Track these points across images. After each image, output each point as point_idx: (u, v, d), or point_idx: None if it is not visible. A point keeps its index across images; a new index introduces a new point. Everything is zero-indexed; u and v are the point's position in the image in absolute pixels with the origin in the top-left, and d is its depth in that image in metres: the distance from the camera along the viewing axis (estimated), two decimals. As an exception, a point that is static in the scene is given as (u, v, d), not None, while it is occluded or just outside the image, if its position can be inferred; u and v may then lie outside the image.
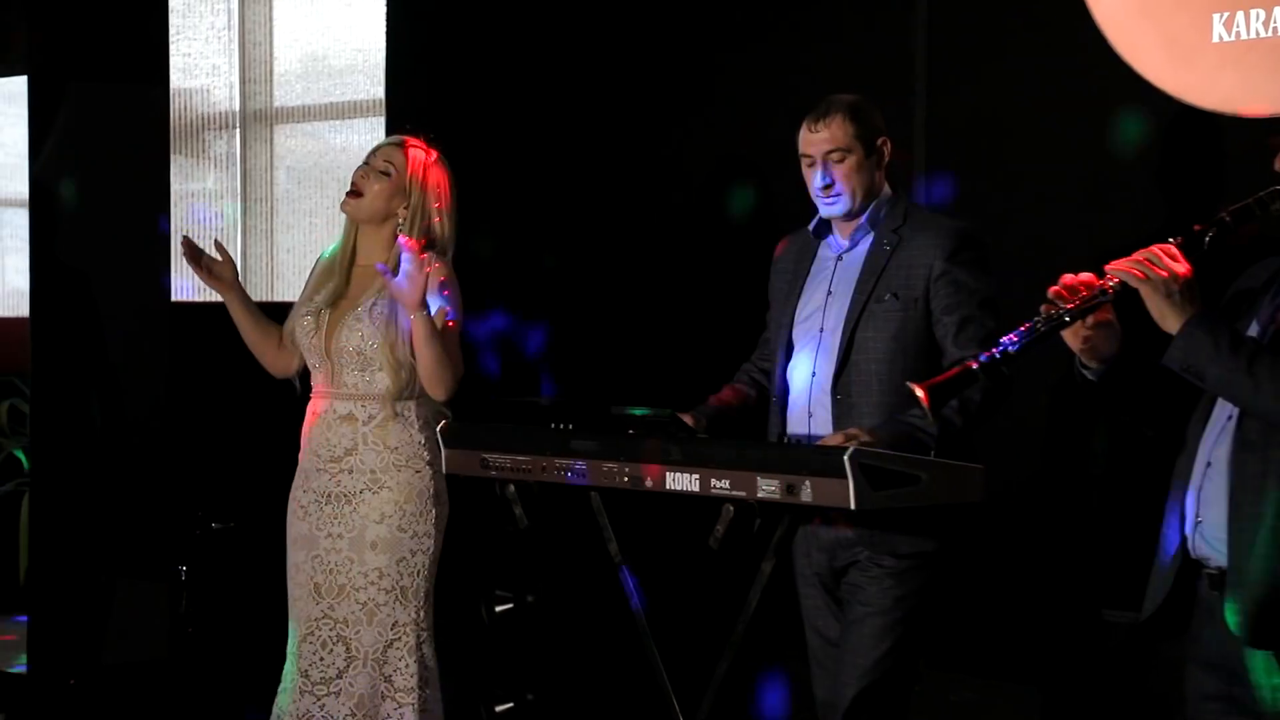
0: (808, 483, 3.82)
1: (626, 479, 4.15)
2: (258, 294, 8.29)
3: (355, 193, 4.77)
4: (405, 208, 4.75)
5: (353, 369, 4.73)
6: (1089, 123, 5.06)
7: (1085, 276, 3.19)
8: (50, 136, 6.12)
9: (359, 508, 4.72)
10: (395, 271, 4.54)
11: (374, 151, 4.82)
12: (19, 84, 7.51)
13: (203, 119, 8.47)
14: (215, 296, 7.99)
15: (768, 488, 3.89)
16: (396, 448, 4.74)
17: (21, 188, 7.78)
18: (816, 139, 4.36)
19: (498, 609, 6.43)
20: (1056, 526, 4.92)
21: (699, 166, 6.12)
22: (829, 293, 4.42)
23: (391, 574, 4.70)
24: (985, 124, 5.34)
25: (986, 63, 5.37)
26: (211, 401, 6.52)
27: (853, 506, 3.75)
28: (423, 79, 6.87)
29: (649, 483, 4.10)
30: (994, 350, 3.14)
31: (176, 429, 6.28)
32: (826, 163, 4.35)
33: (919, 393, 3.26)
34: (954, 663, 4.88)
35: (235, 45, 8.41)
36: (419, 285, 4.50)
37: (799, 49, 5.84)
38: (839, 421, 4.29)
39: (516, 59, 6.62)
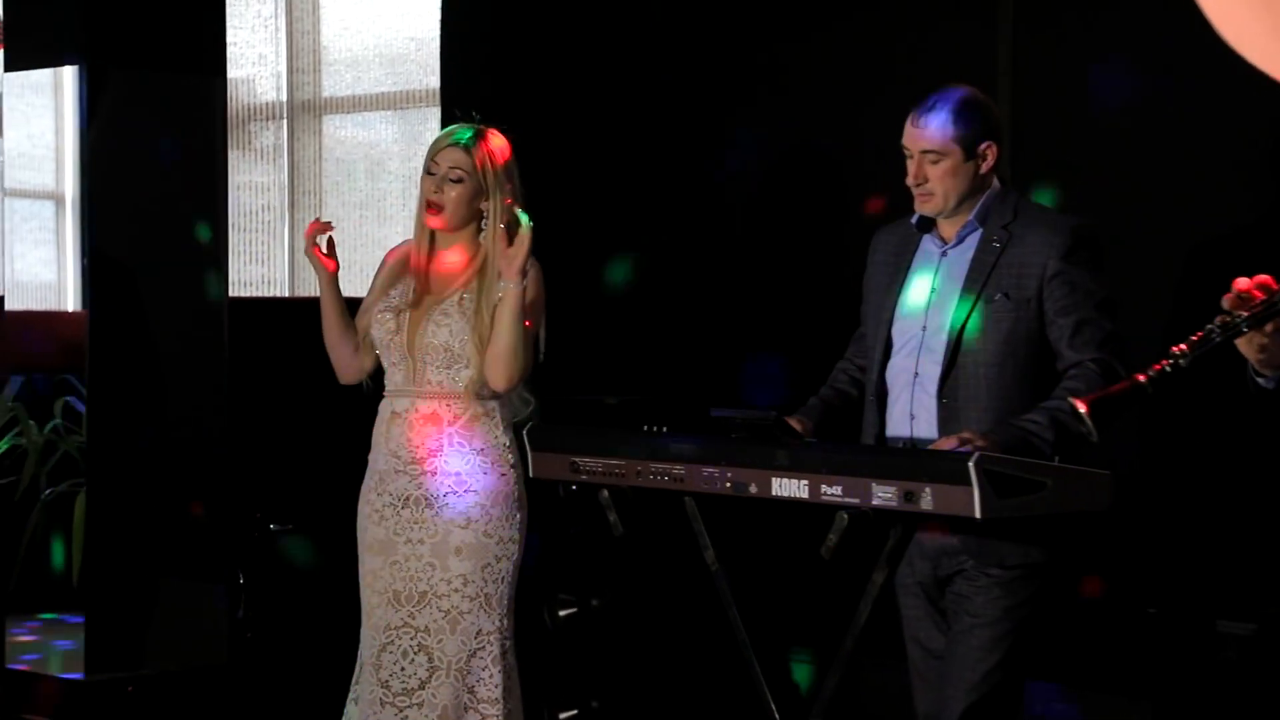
0: (928, 489, 3.63)
1: (729, 484, 3.97)
2: (306, 288, 8.14)
3: (435, 207, 4.60)
4: (486, 203, 4.59)
5: (438, 366, 4.59)
6: (1192, 114, 4.88)
7: (1262, 279, 2.99)
8: (98, 126, 5.93)
9: (442, 512, 4.58)
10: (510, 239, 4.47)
11: (434, 157, 4.63)
12: (44, 75, 7.34)
13: (249, 110, 8.31)
14: (273, 291, 8.02)
15: (884, 495, 3.70)
16: (483, 449, 4.60)
17: (48, 179, 7.64)
18: (916, 135, 4.18)
19: (561, 614, 6.29)
20: (1167, 533, 4.72)
21: (764, 156, 5.95)
22: (933, 289, 4.23)
23: (476, 580, 4.56)
24: (1076, 117, 5.16)
25: (1075, 49, 5.18)
26: (270, 398, 6.35)
27: (978, 515, 3.56)
28: (480, 68, 6.71)
29: (753, 489, 3.92)
30: (1164, 363, 2.93)
31: (235, 427, 6.12)
32: (922, 161, 4.17)
33: (1081, 408, 3.04)
34: (1061, 674, 4.70)
35: (283, 34, 8.25)
36: (524, 252, 4.44)
37: (874, 40, 5.67)
38: (944, 426, 4.10)
39: (579, 46, 6.45)
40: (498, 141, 4.64)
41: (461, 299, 4.59)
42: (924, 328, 4.21)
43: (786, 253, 5.93)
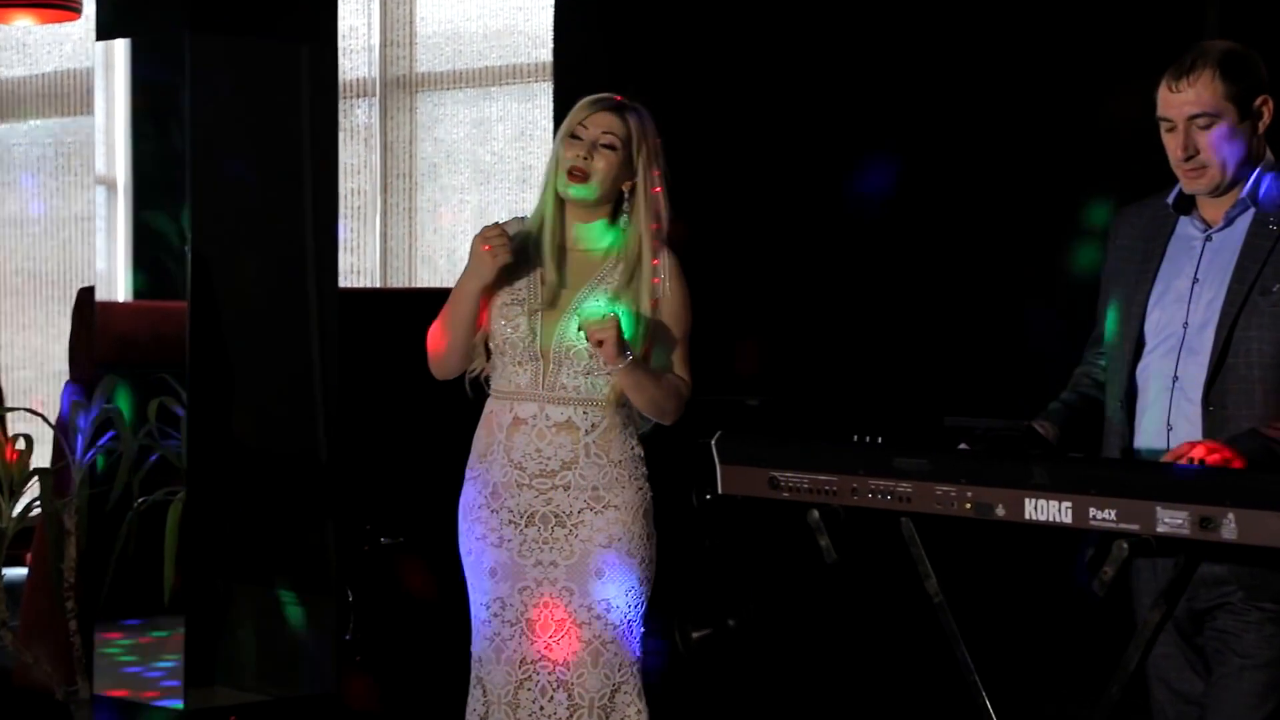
0: (1231, 515, 3.07)
1: (969, 505, 3.40)
2: (398, 279, 7.63)
3: (580, 174, 4.03)
4: (630, 185, 4.04)
5: (576, 370, 4.05)
6: None
7: None
8: (198, 100, 5.41)
9: (578, 530, 4.05)
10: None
11: (581, 120, 4.06)
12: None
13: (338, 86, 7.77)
14: (364, 282, 7.51)
15: (1172, 521, 3.14)
16: (620, 461, 4.09)
17: (98, 163, 7.12)
18: (1179, 100, 3.61)
19: (695, 635, 5.81)
20: None
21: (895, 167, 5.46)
22: (1195, 280, 3.67)
23: (620, 606, 4.06)
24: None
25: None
26: (380, 402, 5.83)
27: (1297, 547, 3.00)
28: (596, 40, 6.18)
29: (1000, 511, 3.36)
30: None
31: (343, 432, 5.59)
32: (1190, 129, 3.60)
33: None
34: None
35: (375, 4, 7.71)
36: (612, 337, 3.93)
37: None
38: (1211, 437, 3.54)
39: (703, 18, 5.92)
40: (654, 130, 4.11)
41: (608, 290, 4.07)
42: (1185, 324, 3.66)
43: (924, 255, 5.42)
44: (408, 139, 7.61)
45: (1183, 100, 3.61)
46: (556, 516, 4.07)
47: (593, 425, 4.07)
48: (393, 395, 5.80)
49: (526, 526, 4.08)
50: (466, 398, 4.81)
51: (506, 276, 4.08)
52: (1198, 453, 3.36)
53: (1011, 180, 5.22)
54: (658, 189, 4.10)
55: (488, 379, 4.17)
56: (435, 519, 5.73)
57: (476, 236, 4.07)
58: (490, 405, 4.15)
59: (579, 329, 3.98)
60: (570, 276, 4.12)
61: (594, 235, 4.12)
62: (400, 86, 7.65)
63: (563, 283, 4.11)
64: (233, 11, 5.49)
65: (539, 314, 4.07)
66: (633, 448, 4.12)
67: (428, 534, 5.74)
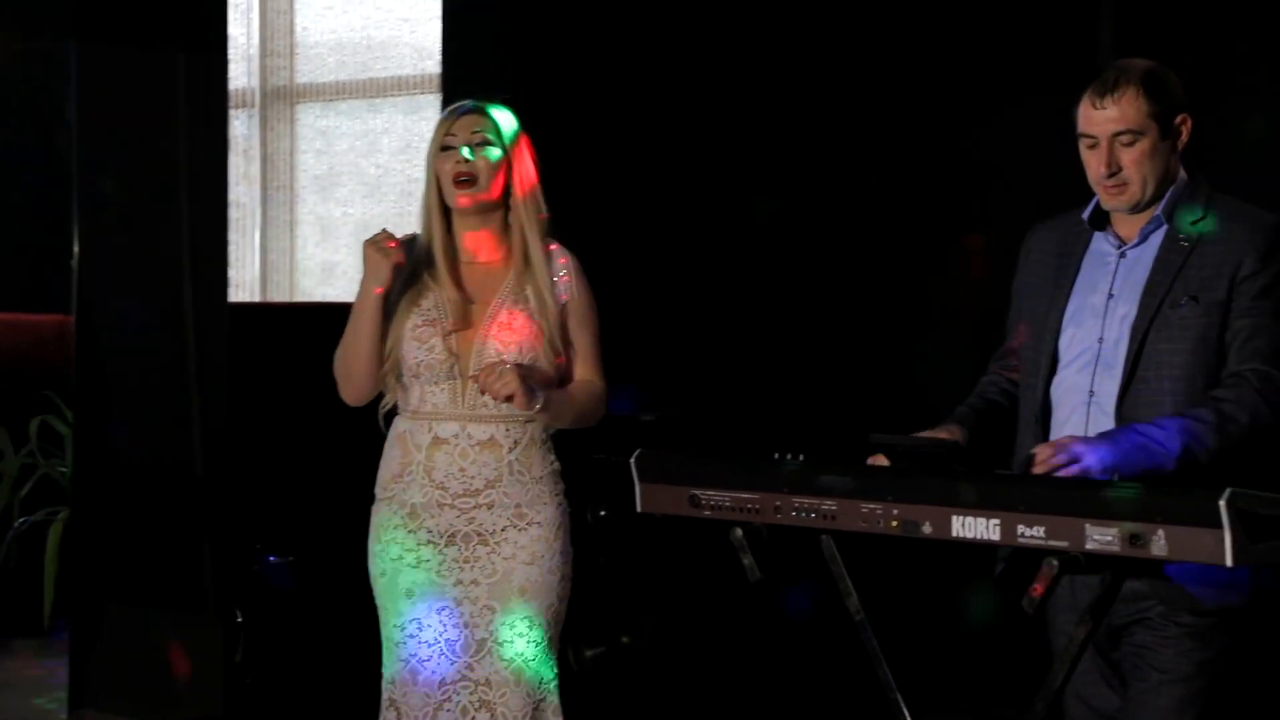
0: (1160, 532, 3.06)
1: (895, 523, 3.38)
2: (279, 293, 7.51)
3: (468, 179, 3.97)
4: (515, 186, 4.00)
5: None
6: None
7: None
8: (85, 109, 5.28)
9: (501, 548, 4.00)
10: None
11: (448, 130, 4.00)
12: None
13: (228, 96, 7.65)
14: (241, 297, 7.39)
15: (1100, 538, 3.13)
16: (541, 477, 4.05)
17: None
18: (1101, 117, 3.63)
19: (589, 653, 5.77)
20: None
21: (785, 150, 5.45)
22: (1110, 295, 3.69)
23: (540, 624, 4.00)
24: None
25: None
26: (270, 417, 5.71)
27: (1229, 563, 3.01)
28: (484, 52, 6.12)
29: (927, 528, 3.34)
30: None
31: (227, 448, 5.48)
32: (1113, 146, 3.62)
33: None
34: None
35: (255, 14, 7.60)
36: (507, 381, 3.87)
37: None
38: None
39: (599, 30, 5.88)
40: (502, 108, 4.05)
41: (520, 300, 4.01)
42: (1100, 339, 3.67)
43: (815, 258, 5.41)
44: (288, 151, 7.51)
45: (1106, 117, 3.62)
46: (479, 535, 4.01)
47: (515, 442, 4.03)
48: (285, 412, 5.69)
49: (447, 546, 4.01)
50: (359, 415, 4.73)
51: (413, 298, 4.01)
52: (1047, 455, 3.38)
53: (925, 195, 5.23)
54: (535, 180, 4.06)
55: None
56: (328, 537, 5.67)
57: (366, 243, 4.00)
58: (402, 425, 4.06)
59: (481, 392, 3.93)
60: (477, 291, 4.06)
61: (490, 245, 4.06)
62: (280, 97, 7.55)
63: (470, 298, 4.05)
64: (118, 21, 5.37)
65: (454, 335, 4.01)
66: (552, 463, 4.08)
67: (320, 552, 5.68)
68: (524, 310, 4.01)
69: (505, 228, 4.05)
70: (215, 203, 5.53)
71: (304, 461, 5.72)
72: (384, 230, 4.04)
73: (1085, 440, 3.49)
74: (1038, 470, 3.41)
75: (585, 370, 4.09)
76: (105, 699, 5.47)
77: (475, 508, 4.01)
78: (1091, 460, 3.40)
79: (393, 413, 4.11)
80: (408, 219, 6.98)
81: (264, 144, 7.51)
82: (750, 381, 5.44)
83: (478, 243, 4.07)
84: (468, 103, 4.06)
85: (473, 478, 4.01)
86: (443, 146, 4.00)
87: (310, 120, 7.42)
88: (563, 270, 4.06)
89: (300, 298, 7.33)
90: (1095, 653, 3.71)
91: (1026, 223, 3.96)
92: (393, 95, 7.13)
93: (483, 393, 3.93)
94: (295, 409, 5.68)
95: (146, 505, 5.46)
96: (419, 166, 6.95)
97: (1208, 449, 3.45)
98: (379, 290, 3.97)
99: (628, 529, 5.53)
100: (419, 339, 4.00)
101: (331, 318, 5.77)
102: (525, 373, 3.93)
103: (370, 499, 4.72)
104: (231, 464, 5.56)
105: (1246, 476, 3.45)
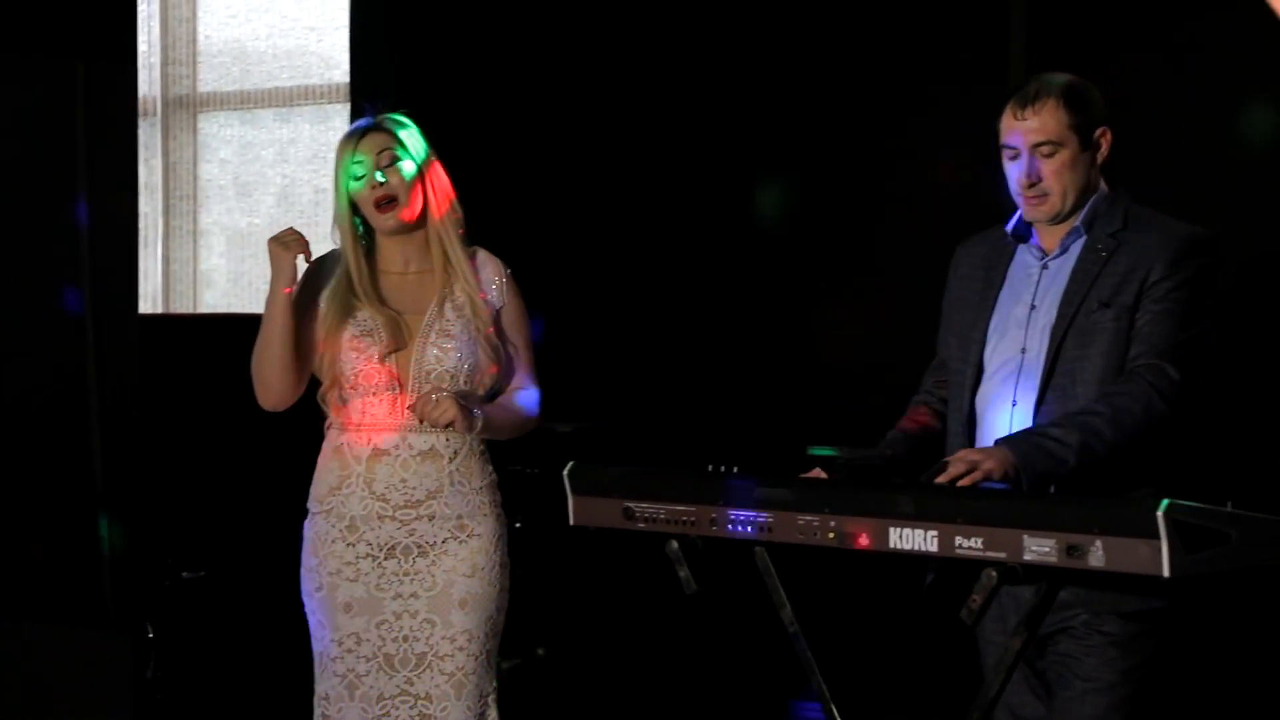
0: (1099, 543, 3.10)
1: (831, 535, 3.39)
2: (182, 303, 7.42)
3: (387, 200, 3.95)
4: (431, 197, 3.99)
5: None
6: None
7: None
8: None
9: (441, 560, 4.00)
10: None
11: (356, 151, 3.97)
12: None
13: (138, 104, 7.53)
14: (144, 308, 7.28)
15: (1039, 549, 3.16)
16: (481, 488, 4.06)
17: None
18: (1023, 128, 3.68)
19: (504, 665, 5.73)
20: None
21: (698, 155, 5.43)
22: (1032, 306, 3.74)
23: (480, 636, 4.01)
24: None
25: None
26: (182, 430, 5.64)
27: (1166, 573, 3.04)
28: (393, 61, 6.08)
29: (864, 540, 3.36)
30: None
31: (141, 463, 5.41)
32: (1034, 157, 3.66)
33: None
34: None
35: (155, 22, 7.50)
36: (445, 409, 3.90)
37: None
38: None
39: (509, 36, 5.85)
40: (406, 122, 4.03)
41: (453, 307, 4.01)
42: (1023, 349, 3.72)
43: (746, 267, 5.40)
44: (191, 159, 7.41)
45: (1027, 128, 3.67)
46: (419, 547, 4.00)
47: (455, 452, 4.02)
48: (196, 425, 5.63)
49: (386, 559, 3.99)
50: (271, 429, 4.68)
51: (347, 311, 3.99)
52: (953, 472, 3.41)
53: (860, 204, 5.24)
54: (450, 189, 4.05)
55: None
56: (242, 551, 5.62)
57: (271, 241, 3.98)
58: (339, 438, 4.04)
59: (421, 422, 3.92)
60: (410, 302, 4.04)
61: (418, 256, 4.05)
62: (183, 106, 7.45)
63: (404, 309, 4.04)
64: (22, 28, 5.29)
65: (383, 337, 3.99)
66: (490, 474, 4.08)
67: (234, 567, 5.62)
68: (458, 317, 4.01)
69: (428, 239, 4.04)
70: (122, 214, 5.45)
71: (215, 475, 5.65)
72: (290, 229, 4.03)
73: (982, 449, 3.54)
74: (941, 482, 3.44)
75: (520, 376, 4.09)
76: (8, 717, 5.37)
77: (416, 519, 4.00)
78: (990, 465, 3.44)
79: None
80: (317, 228, 6.92)
81: (165, 153, 7.42)
82: (668, 393, 5.43)
83: (406, 256, 4.06)
84: (366, 121, 4.01)
85: (414, 489, 3.99)
86: (354, 176, 3.99)
87: (214, 129, 7.33)
88: (494, 276, 4.07)
89: (204, 309, 7.24)
90: (1022, 662, 3.75)
91: (959, 235, 4.01)
92: (300, 104, 7.07)
93: (421, 421, 3.92)
94: (207, 422, 5.63)
95: (43, 519, 5.37)
96: (326, 176, 6.91)
97: (1106, 442, 3.51)
98: (287, 290, 3.96)
99: (543, 540, 5.51)
100: (356, 349, 3.98)
101: (242, 329, 5.73)
102: (462, 395, 3.93)
103: (287, 512, 4.69)
104: (138, 478, 5.49)
105: (1165, 479, 3.54)
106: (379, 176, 3.95)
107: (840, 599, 4.24)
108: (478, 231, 4.15)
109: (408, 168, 3.97)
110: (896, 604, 3.93)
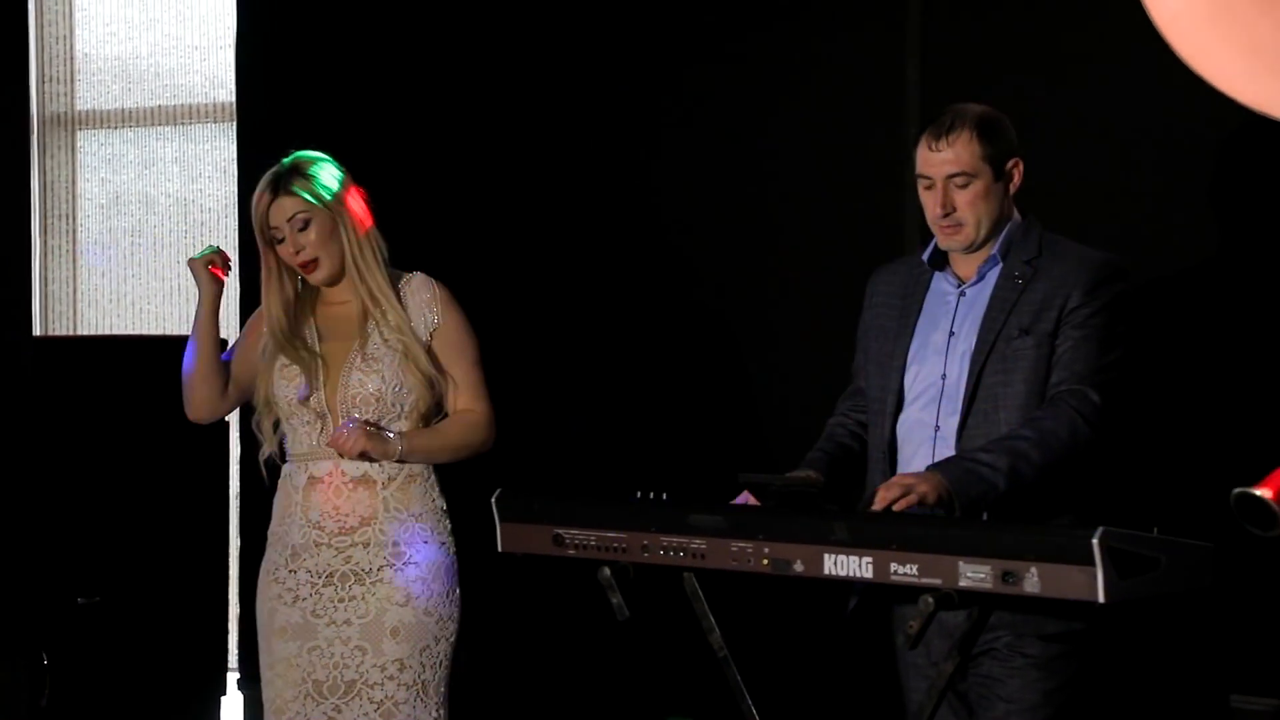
0: (1034, 570, 3.17)
1: (766, 561, 3.44)
2: (60, 325, 7.30)
3: (309, 263, 4.01)
4: (347, 237, 4.00)
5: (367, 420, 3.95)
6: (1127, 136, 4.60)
7: None
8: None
9: (376, 588, 3.99)
10: None
11: (270, 216, 4.01)
12: None
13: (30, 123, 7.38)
14: (64, 329, 7.11)
15: (974, 575, 3.23)
16: (420, 514, 4.06)
17: None
18: (937, 159, 3.75)
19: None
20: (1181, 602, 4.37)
21: (626, 181, 5.42)
22: (951, 333, 3.81)
23: (413, 666, 3.99)
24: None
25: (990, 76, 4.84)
26: (76, 452, 5.53)
27: (1102, 599, 3.12)
28: (281, 81, 6.01)
29: (799, 567, 3.41)
30: None
31: (36, 485, 5.31)
32: (948, 187, 3.74)
33: (1268, 494, 2.62)
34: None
35: (30, 38, 7.36)
36: (354, 438, 3.94)
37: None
38: None
39: (396, 53, 5.80)
40: (313, 165, 4.06)
41: (380, 335, 4.01)
42: (943, 376, 3.79)
43: (665, 292, 5.39)
44: (69, 179, 7.29)
45: (942, 159, 3.74)
46: (356, 574, 3.99)
47: (390, 478, 4.01)
48: (93, 447, 5.53)
49: (324, 586, 3.99)
50: (168, 454, 4.62)
51: (271, 344, 4.01)
52: (888, 496, 3.47)
53: (775, 228, 5.25)
54: (368, 222, 4.06)
55: (279, 453, 4.09)
56: (135, 577, 5.53)
57: (190, 260, 4.08)
58: (285, 469, 4.09)
59: (340, 455, 3.93)
60: (337, 330, 4.07)
61: (344, 289, 4.09)
62: (59, 124, 7.33)
63: (331, 338, 4.06)
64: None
65: (318, 365, 4.00)
66: (434, 500, 4.06)
67: (131, 593, 5.53)
68: (384, 343, 4.01)
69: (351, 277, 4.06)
70: (14, 235, 5.35)
71: (108, 500, 5.56)
72: (214, 247, 4.11)
73: (916, 473, 3.60)
74: (877, 508, 3.51)
75: (464, 398, 4.08)
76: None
77: (351, 546, 3.99)
78: (924, 489, 3.49)
79: (272, 463, 4.11)
80: (192, 247, 6.83)
81: (42, 171, 7.29)
82: (594, 414, 5.39)
83: (331, 290, 4.09)
84: (268, 185, 4.01)
85: (347, 515, 3.99)
86: (270, 241, 4.01)
87: (94, 148, 7.22)
88: (428, 298, 4.07)
89: (84, 329, 7.13)
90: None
91: (876, 258, 4.07)
92: (184, 123, 6.98)
93: (341, 455, 3.93)
94: (99, 445, 5.54)
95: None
96: (210, 196, 6.85)
97: (1034, 465, 3.58)
98: (207, 306, 4.04)
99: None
100: (286, 378, 4.02)
101: (127, 351, 5.64)
102: (374, 424, 3.94)
103: (180, 536, 4.62)
104: (31, 502, 5.39)
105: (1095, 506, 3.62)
106: (298, 240, 3.97)
107: (767, 623, 4.27)
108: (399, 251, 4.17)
109: (322, 224, 3.98)
110: (823, 628, 3.96)
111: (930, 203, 3.78)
